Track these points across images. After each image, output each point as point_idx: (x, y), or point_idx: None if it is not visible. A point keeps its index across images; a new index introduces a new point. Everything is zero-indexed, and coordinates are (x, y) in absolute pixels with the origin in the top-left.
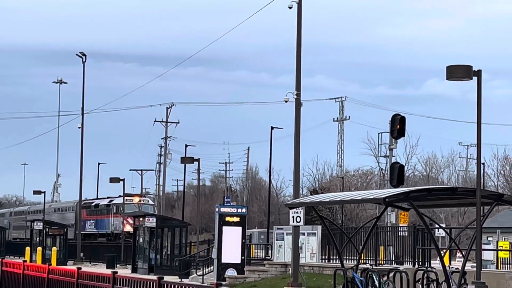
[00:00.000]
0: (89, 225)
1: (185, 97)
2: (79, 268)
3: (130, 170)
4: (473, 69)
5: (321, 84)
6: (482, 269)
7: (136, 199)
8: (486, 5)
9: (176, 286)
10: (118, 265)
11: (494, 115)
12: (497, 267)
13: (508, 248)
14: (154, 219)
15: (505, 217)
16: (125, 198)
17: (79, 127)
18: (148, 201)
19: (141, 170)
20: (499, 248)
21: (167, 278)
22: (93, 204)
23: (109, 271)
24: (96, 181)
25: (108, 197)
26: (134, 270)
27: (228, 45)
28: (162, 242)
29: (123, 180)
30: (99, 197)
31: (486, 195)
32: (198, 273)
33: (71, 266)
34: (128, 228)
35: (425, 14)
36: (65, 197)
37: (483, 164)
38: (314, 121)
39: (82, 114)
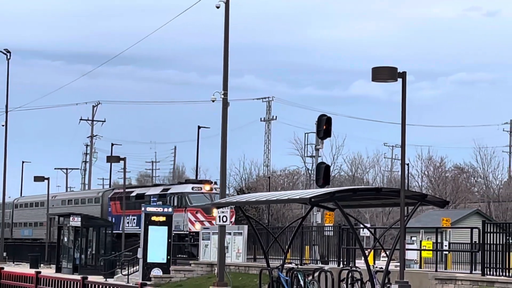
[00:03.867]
0: (128, 223)
1: (114, 96)
2: (1, 268)
3: (55, 168)
4: (398, 71)
5: (249, 84)
6: (406, 269)
7: (207, 187)
8: (414, 8)
9: (100, 286)
10: (42, 265)
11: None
12: (420, 267)
13: (431, 248)
14: (79, 218)
15: (429, 217)
16: (192, 186)
17: (3, 125)
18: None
19: (67, 169)
20: (422, 248)
21: (91, 278)
22: (134, 194)
23: (33, 271)
24: (20, 180)
25: (155, 185)
26: (58, 270)
27: (158, 44)
28: (87, 242)
29: (48, 178)
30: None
31: (410, 195)
32: (123, 273)
33: None
34: (198, 227)
35: (354, 16)
36: None
37: (408, 164)
38: (242, 121)
39: (6, 112)
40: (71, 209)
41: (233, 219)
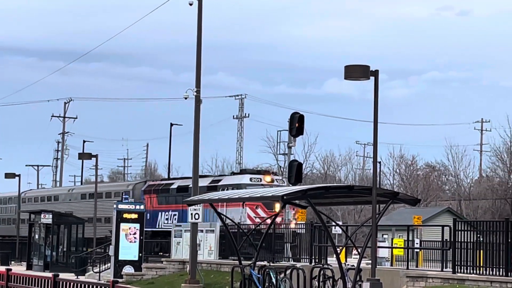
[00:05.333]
0: (167, 219)
1: (87, 93)
2: None
3: (26, 165)
4: (371, 69)
5: (222, 82)
6: (377, 266)
7: (267, 178)
8: (387, 7)
9: (71, 284)
10: (12, 262)
11: (391, 115)
12: (391, 264)
13: (402, 246)
14: (50, 215)
15: (400, 215)
16: (250, 177)
17: None
18: (284, 182)
19: (38, 166)
20: (394, 245)
21: (62, 275)
22: (174, 186)
23: (3, 268)
24: None
25: (200, 176)
26: (29, 267)
27: (132, 42)
28: (58, 239)
29: (19, 175)
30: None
31: (381, 193)
32: (95, 270)
33: None
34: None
35: (328, 15)
36: None
37: (379, 162)
38: (214, 118)
39: None
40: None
41: (296, 216)
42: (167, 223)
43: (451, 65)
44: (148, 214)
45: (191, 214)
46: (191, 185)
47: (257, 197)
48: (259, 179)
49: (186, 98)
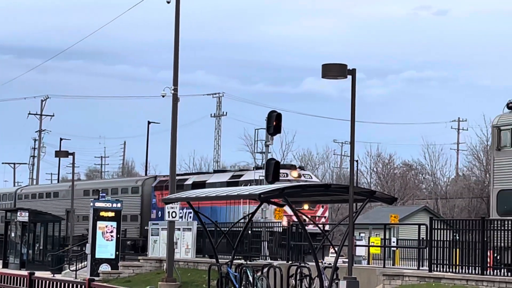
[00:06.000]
0: (181, 217)
1: (65, 91)
2: None
3: (2, 163)
4: (348, 68)
5: (201, 80)
6: (354, 265)
7: (294, 174)
8: (365, 7)
9: (47, 282)
10: None
11: (368, 114)
12: (368, 263)
13: (379, 244)
14: (27, 213)
15: (377, 213)
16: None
17: None
18: (311, 177)
19: (14, 164)
20: (370, 244)
21: (38, 274)
22: (189, 182)
23: None
24: None
25: (217, 170)
26: (5, 265)
27: (110, 39)
28: (34, 237)
29: None
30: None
31: (358, 192)
32: (71, 269)
33: None
34: (285, 223)
35: (307, 14)
36: None
37: (357, 161)
38: (192, 117)
39: None
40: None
41: (326, 214)
42: (181, 221)
43: (429, 65)
44: (160, 212)
45: (168, 212)
46: (208, 181)
47: (234, 195)
48: (285, 174)
49: (163, 96)
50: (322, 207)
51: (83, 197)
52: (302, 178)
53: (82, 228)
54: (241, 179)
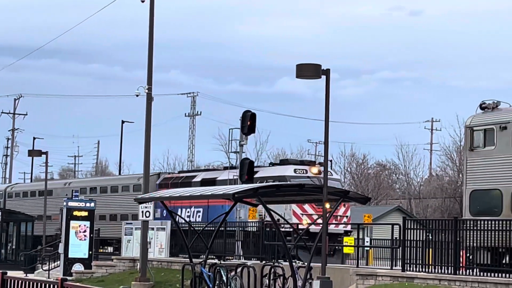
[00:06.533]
0: (188, 216)
1: (38, 89)
2: None
3: None
4: (322, 68)
5: (175, 80)
6: (328, 265)
7: (314, 170)
8: (340, 7)
9: (19, 281)
10: None
11: (342, 114)
12: (342, 263)
13: (353, 244)
14: None
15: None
16: (295, 168)
17: None
18: (332, 174)
19: None
20: (344, 243)
21: (11, 273)
22: (198, 179)
23: None
24: None
25: (227, 168)
26: None
27: (84, 38)
28: (7, 237)
29: None
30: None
31: (332, 192)
32: (44, 268)
33: None
34: (305, 221)
35: (282, 14)
36: None
37: (331, 161)
38: (167, 116)
39: None
40: (97, 199)
41: (348, 213)
42: (189, 221)
43: (402, 65)
44: (165, 211)
45: (142, 212)
46: (219, 178)
47: (207, 195)
48: (304, 171)
49: (137, 96)
50: (344, 206)
51: (81, 195)
52: (322, 175)
53: None
54: (256, 176)
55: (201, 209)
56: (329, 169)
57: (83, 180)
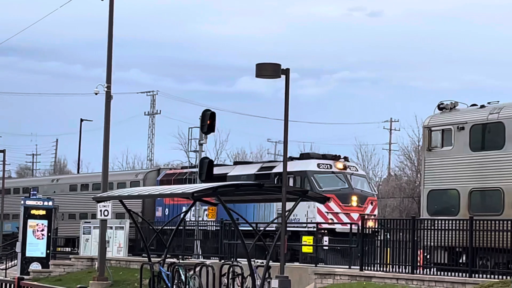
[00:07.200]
0: (194, 215)
1: None
2: None
3: None
4: (282, 68)
5: (135, 78)
6: (286, 264)
7: (339, 165)
8: (301, 6)
9: None
10: None
11: (302, 113)
12: (300, 262)
13: (311, 243)
14: None
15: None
16: (318, 163)
17: None
18: (357, 169)
19: None
20: (303, 243)
21: None
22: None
23: None
24: None
25: (238, 162)
26: None
27: (43, 36)
28: None
29: None
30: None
31: (291, 191)
32: (1, 267)
33: None
34: (331, 220)
35: (241, 13)
36: None
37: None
38: (126, 115)
39: None
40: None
41: (376, 212)
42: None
43: (362, 65)
44: (167, 209)
45: (101, 210)
46: (230, 173)
47: (167, 193)
48: (328, 166)
49: (96, 94)
50: (371, 204)
51: (69, 192)
52: (348, 170)
53: (68, 227)
54: (273, 171)
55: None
56: (353, 164)
57: (74, 176)
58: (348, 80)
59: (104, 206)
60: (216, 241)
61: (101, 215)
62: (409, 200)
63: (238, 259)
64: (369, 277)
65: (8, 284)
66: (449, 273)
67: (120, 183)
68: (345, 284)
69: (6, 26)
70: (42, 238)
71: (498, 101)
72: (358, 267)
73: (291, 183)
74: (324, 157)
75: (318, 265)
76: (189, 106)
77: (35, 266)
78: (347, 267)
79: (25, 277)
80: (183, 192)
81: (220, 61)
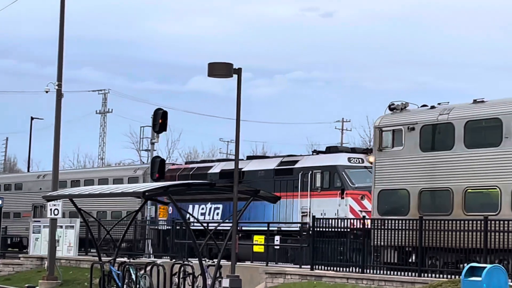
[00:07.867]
0: (202, 214)
1: None
2: None
3: None
4: (234, 67)
5: (87, 77)
6: (238, 263)
7: (371, 159)
8: (253, 6)
9: None
10: None
11: (255, 113)
12: (252, 261)
13: (263, 243)
14: None
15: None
16: (349, 157)
17: None
18: None
19: None
20: (254, 242)
21: None
22: (216, 170)
23: None
24: None
25: (250, 157)
26: None
27: None
28: None
29: None
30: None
31: (243, 190)
32: None
33: None
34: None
35: (195, 12)
36: None
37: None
38: (78, 113)
39: None
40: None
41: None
42: (203, 219)
43: (315, 65)
44: (171, 208)
45: (51, 209)
46: (244, 168)
47: (118, 193)
48: (360, 160)
49: (47, 92)
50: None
51: (15, 191)
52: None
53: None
54: (296, 166)
55: (220, 206)
56: None
57: (67, 171)
58: (301, 80)
59: (54, 205)
60: (168, 241)
61: (51, 214)
62: None
63: (189, 259)
64: (319, 276)
65: None
66: (399, 273)
67: (116, 179)
68: (296, 284)
69: None
70: None
71: (448, 102)
72: (309, 266)
73: (318, 179)
74: (353, 150)
75: (268, 265)
76: (141, 105)
77: None
78: (298, 266)
79: None
80: (134, 191)
81: (173, 60)
